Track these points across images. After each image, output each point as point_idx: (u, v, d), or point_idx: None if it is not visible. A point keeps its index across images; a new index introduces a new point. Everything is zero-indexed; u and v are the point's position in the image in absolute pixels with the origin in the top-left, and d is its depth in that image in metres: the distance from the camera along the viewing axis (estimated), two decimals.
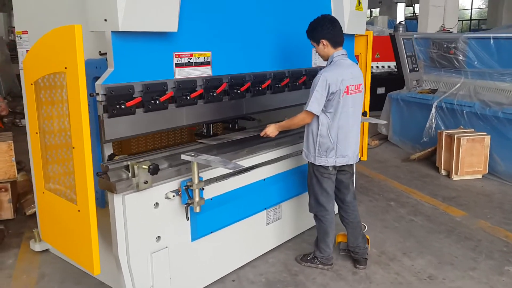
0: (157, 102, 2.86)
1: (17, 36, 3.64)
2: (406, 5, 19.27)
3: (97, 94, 2.60)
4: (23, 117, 9.32)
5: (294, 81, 3.90)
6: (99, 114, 2.67)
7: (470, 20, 29.51)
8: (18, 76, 13.90)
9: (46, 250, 3.92)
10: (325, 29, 3.30)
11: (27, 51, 3.54)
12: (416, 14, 19.34)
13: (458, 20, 11.76)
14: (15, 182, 4.66)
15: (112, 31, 2.57)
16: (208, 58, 3.18)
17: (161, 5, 2.68)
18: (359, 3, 4.20)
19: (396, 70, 10.81)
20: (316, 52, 3.45)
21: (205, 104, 3.22)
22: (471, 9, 29.73)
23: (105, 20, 2.54)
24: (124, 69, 2.68)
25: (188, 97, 3.05)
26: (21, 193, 4.92)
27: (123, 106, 2.69)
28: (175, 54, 2.97)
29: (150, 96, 2.84)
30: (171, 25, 2.78)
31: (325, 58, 3.41)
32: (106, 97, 2.61)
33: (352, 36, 4.30)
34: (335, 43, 3.34)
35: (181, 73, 3.02)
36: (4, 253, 3.94)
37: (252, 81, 3.51)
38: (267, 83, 3.63)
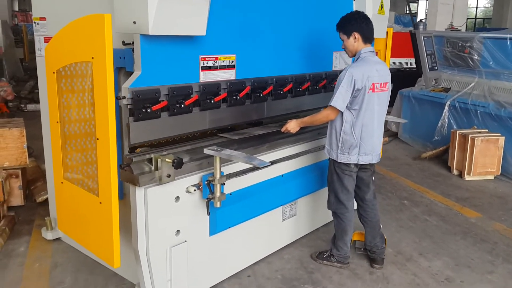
0: (182, 106, 2.84)
1: (34, 22, 3.57)
2: (409, 2, 19.13)
3: (124, 97, 2.57)
4: (28, 102, 9.32)
5: (314, 84, 3.88)
6: (124, 117, 2.66)
7: (475, 18, 29.39)
8: (22, 60, 13.91)
9: (58, 239, 3.88)
10: (359, 22, 3.24)
11: (44, 38, 3.48)
12: (413, 11, 19.26)
13: None
14: (25, 169, 4.60)
15: (141, 34, 2.52)
16: (232, 62, 3.15)
17: (190, 9, 2.63)
18: (382, 7, 4.14)
19: (404, 66, 10.83)
20: (344, 47, 3.37)
21: (228, 107, 3.20)
22: (476, 7, 29.59)
23: (134, 22, 2.50)
24: (151, 72, 2.65)
25: (212, 101, 3.03)
26: (31, 179, 4.87)
27: (149, 110, 2.66)
28: (201, 58, 2.94)
29: (175, 99, 2.82)
30: (200, 29, 2.74)
31: (352, 54, 3.34)
32: (133, 100, 2.58)
33: (373, 44, 4.24)
34: (366, 39, 3.28)
35: (206, 77, 3.00)
36: (16, 240, 3.90)
37: (274, 84, 3.49)
38: (288, 86, 3.61)
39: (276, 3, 3.40)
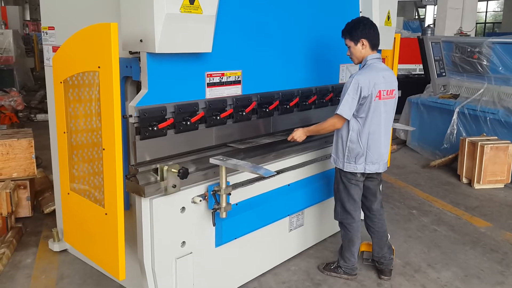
0: (188, 123, 2.85)
1: (43, 31, 3.60)
2: (418, 7, 19.07)
3: (130, 116, 2.59)
4: (38, 112, 9.39)
5: (320, 98, 3.89)
6: (131, 133, 2.69)
7: (485, 23, 29.23)
8: (33, 70, 14.05)
9: (65, 250, 3.88)
10: (368, 29, 3.23)
11: (53, 47, 3.51)
12: (421, 17, 19.14)
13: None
14: (33, 180, 4.62)
15: (147, 52, 2.53)
16: (239, 77, 3.16)
17: (196, 26, 2.65)
18: (388, 18, 4.13)
19: (412, 73, 10.78)
20: (349, 53, 3.35)
21: (234, 123, 3.21)
22: (486, 12, 29.44)
23: (141, 41, 2.52)
24: (158, 90, 2.68)
25: (218, 117, 3.05)
26: (39, 190, 4.89)
27: (155, 128, 2.68)
28: (207, 74, 2.96)
29: (181, 117, 2.83)
30: (206, 46, 2.75)
31: (359, 60, 3.32)
32: (139, 119, 2.60)
33: (379, 51, 4.21)
34: (373, 45, 3.26)
35: (212, 93, 3.02)
36: (23, 251, 3.90)
37: (280, 99, 3.50)
38: (295, 101, 3.62)
39: (281, 18, 3.41)
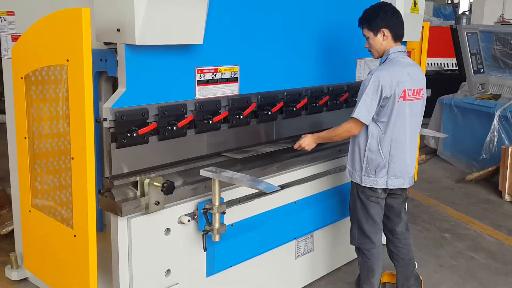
0: (175, 128, 2.87)
1: (0, 17, 3.62)
2: None
3: (105, 119, 2.60)
4: (1, 113, 9.41)
5: (333, 98, 3.92)
6: (105, 140, 2.71)
7: None
8: None
9: (25, 279, 3.88)
10: (389, 16, 3.26)
11: (12, 35, 3.55)
12: (455, 1, 19.23)
13: None
14: None
15: (126, 44, 2.55)
16: (235, 74, 3.20)
17: (185, 13, 2.67)
18: (415, 4, 4.15)
19: (444, 68, 10.85)
20: (367, 46, 3.38)
21: (229, 128, 3.24)
22: None
23: (118, 30, 2.54)
24: (138, 89, 2.70)
25: (210, 121, 3.07)
26: None
27: (134, 134, 2.69)
28: (198, 70, 2.99)
29: (166, 121, 2.86)
30: (196, 37, 2.78)
31: (379, 54, 3.35)
32: (116, 123, 2.61)
33: (403, 43, 4.24)
34: (397, 36, 3.30)
35: (203, 92, 3.05)
36: None
37: (285, 100, 3.53)
38: (303, 102, 3.65)
39: (286, 4, 3.44)
